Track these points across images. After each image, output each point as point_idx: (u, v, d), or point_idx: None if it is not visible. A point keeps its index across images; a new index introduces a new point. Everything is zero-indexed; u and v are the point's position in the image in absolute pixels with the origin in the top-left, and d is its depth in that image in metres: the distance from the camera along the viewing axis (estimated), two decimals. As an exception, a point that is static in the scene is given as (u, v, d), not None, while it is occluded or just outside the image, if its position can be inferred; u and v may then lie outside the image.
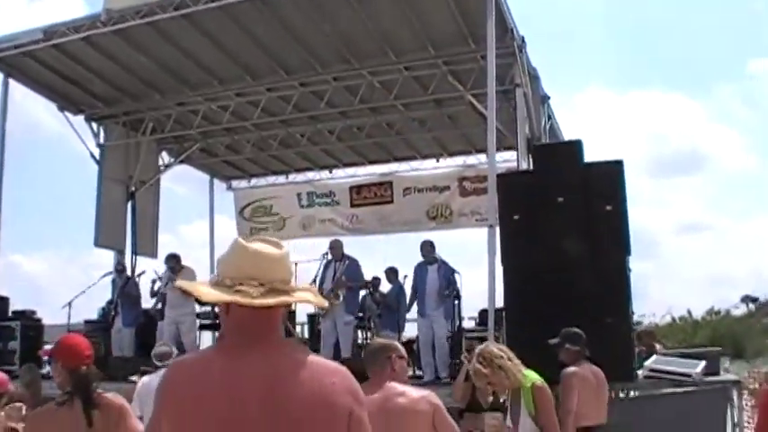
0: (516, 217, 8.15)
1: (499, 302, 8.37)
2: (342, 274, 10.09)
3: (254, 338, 1.97)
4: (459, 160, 14.74)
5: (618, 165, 7.90)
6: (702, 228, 72.39)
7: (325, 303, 2.58)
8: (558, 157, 8.21)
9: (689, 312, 34.66)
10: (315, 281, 10.25)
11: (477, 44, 9.99)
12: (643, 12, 70.87)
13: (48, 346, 11.43)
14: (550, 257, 7.75)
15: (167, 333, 10.89)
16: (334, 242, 10.59)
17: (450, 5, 9.70)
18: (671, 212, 71.66)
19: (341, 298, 9.93)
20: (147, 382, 6.41)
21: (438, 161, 15.06)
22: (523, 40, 10.09)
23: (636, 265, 8.31)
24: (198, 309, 11.56)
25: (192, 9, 9.56)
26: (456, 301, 10.27)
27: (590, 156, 8.10)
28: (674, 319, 33.48)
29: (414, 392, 3.72)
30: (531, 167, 8.79)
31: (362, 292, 12.16)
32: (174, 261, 11.21)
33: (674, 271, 61.03)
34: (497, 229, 8.37)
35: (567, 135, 12.23)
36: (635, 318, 9.36)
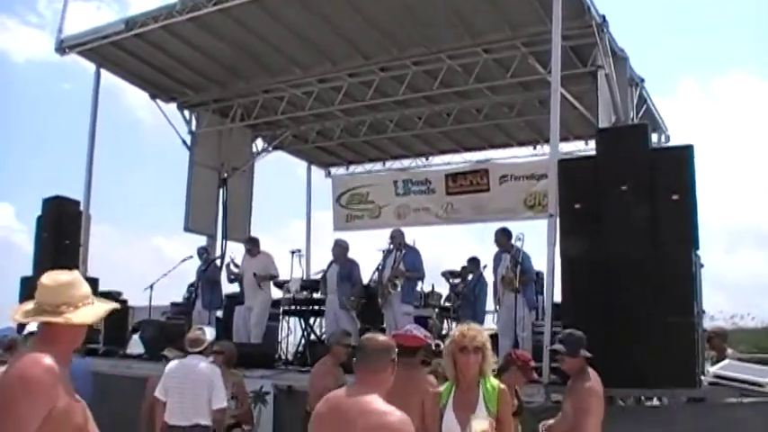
0: (578, 206, 7.64)
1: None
2: (400, 263, 9.83)
3: None
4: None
5: (687, 150, 7.23)
6: None
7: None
8: (622, 142, 7.59)
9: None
10: (377, 270, 10.07)
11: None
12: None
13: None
14: (612, 250, 7.22)
15: (241, 317, 11.04)
16: (395, 231, 10.34)
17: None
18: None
19: (398, 288, 9.64)
20: (173, 368, 6.38)
21: (535, 148, 14.52)
22: (605, 19, 9.44)
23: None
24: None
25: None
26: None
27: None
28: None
29: (396, 415, 3.09)
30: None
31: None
32: (250, 244, 11.29)
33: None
34: (557, 220, 7.88)
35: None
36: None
